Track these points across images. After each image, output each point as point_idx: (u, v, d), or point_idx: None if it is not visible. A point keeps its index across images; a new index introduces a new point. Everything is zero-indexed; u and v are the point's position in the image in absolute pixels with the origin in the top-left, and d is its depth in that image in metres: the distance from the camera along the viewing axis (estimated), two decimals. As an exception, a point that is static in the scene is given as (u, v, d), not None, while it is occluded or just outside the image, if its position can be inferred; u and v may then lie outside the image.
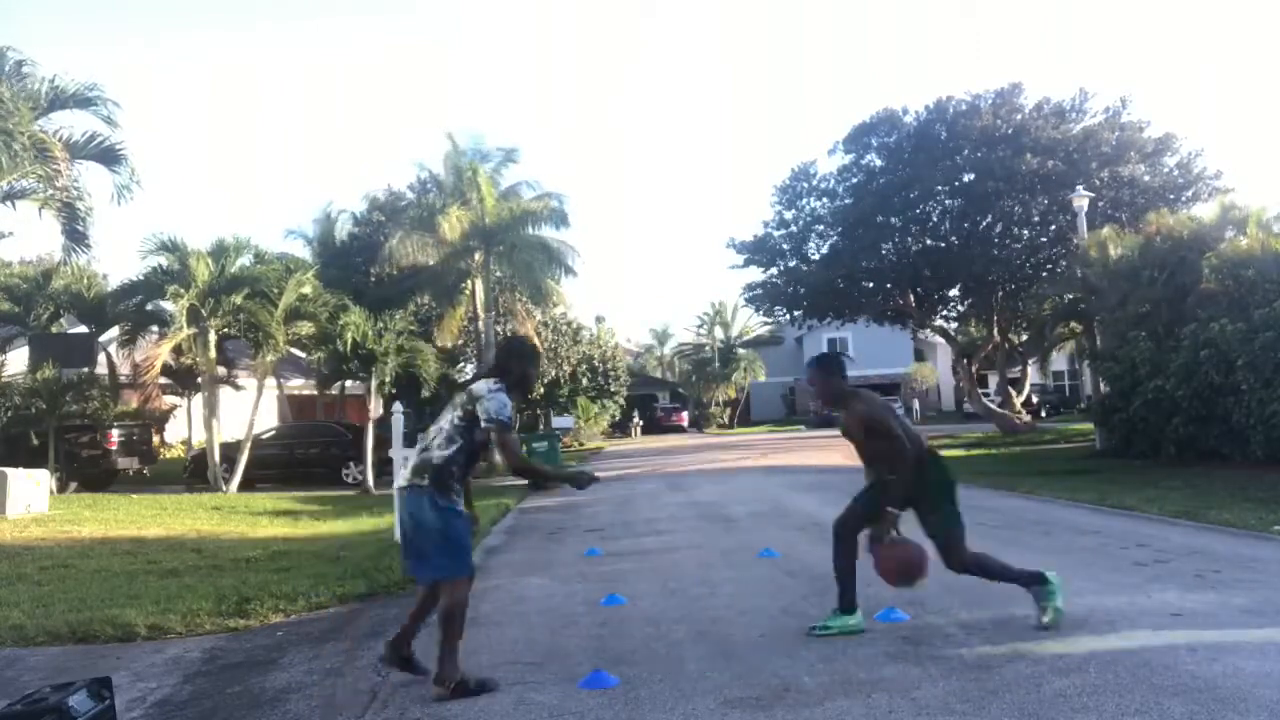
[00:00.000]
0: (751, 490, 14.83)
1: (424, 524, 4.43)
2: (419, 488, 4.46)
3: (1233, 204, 18.37)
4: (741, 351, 57.56)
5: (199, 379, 20.47)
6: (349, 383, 24.06)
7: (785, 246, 31.95)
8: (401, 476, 4.84)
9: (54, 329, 21.34)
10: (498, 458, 26.67)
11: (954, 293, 32.60)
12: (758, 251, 32.26)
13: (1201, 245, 16.23)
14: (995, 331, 32.01)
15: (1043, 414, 40.92)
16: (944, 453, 21.90)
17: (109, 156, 14.89)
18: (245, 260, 19.62)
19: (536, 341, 31.42)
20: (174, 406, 23.17)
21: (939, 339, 40.98)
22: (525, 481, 19.19)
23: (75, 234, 14.93)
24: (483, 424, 4.48)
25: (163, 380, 19.79)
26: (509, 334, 31.47)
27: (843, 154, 31.15)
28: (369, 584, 7.52)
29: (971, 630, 4.95)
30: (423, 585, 4.70)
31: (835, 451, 25.68)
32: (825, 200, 31.69)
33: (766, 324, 56.40)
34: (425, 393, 22.84)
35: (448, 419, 4.59)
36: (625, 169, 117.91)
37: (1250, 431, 13.48)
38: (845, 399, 5.15)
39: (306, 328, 20.01)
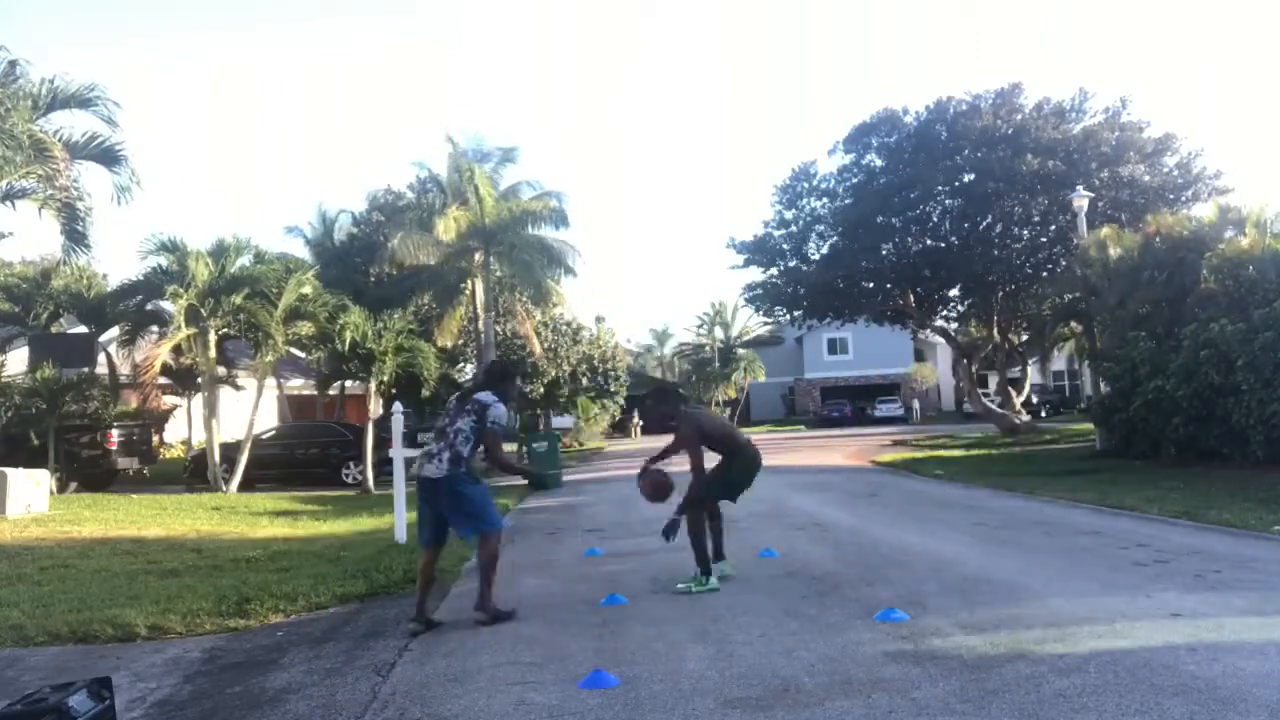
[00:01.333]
0: (751, 490, 14.81)
1: (463, 495, 5.90)
2: (455, 475, 5.90)
3: (1230, 204, 18.36)
4: (741, 351, 57.52)
5: (199, 379, 20.45)
6: (349, 383, 24.05)
7: (785, 246, 31.94)
8: (433, 469, 5.94)
9: (54, 329, 21.31)
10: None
11: (954, 293, 32.60)
12: (758, 251, 32.25)
13: (1201, 245, 16.23)
14: (995, 331, 32.01)
15: (1043, 414, 40.92)
16: (944, 453, 21.84)
17: (109, 157, 14.85)
18: (245, 260, 19.59)
19: (536, 343, 31.49)
20: (174, 406, 23.16)
21: (939, 339, 40.97)
22: (525, 481, 19.27)
23: (75, 234, 14.90)
24: (489, 425, 5.99)
25: (163, 380, 19.78)
26: (509, 334, 31.51)
27: (843, 154, 31.17)
28: (369, 584, 7.52)
29: (971, 630, 4.95)
30: (428, 552, 6.15)
31: (835, 451, 25.71)
32: (825, 200, 31.69)
33: (766, 324, 56.35)
34: (425, 392, 22.82)
35: (466, 422, 5.97)
36: (625, 169, 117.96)
37: (1250, 431, 13.47)
38: (675, 420, 7.18)
39: (306, 328, 19.99)
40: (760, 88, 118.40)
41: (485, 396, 6.07)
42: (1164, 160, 27.04)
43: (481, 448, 6.03)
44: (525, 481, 19.17)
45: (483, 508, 6.01)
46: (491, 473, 19.03)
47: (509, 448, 30.62)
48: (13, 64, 13.63)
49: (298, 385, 31.86)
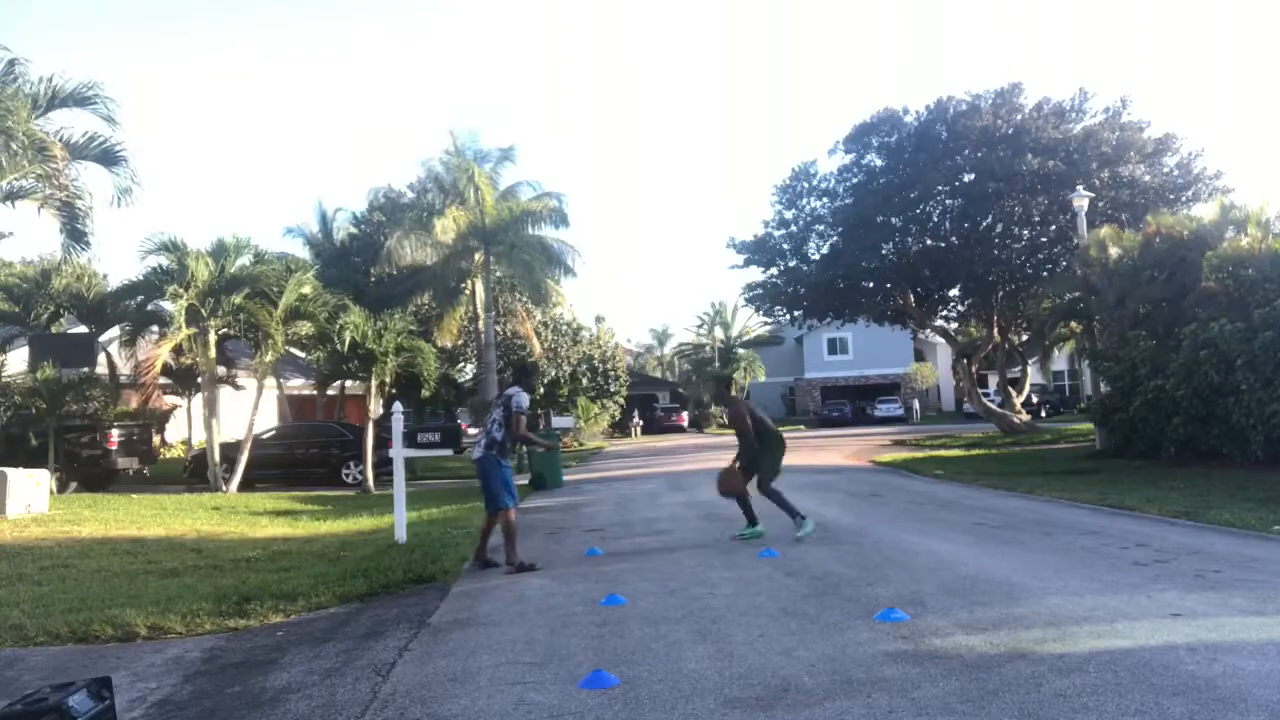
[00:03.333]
0: (751, 490, 14.79)
1: (493, 477, 7.80)
2: (491, 456, 7.81)
3: (1232, 204, 18.36)
4: (741, 351, 57.57)
5: (199, 379, 20.44)
6: (349, 383, 24.03)
7: (785, 246, 31.94)
8: (477, 450, 7.92)
9: (54, 329, 21.29)
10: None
11: (954, 293, 32.59)
12: (758, 251, 32.25)
13: (1201, 245, 16.22)
14: (995, 331, 31.99)
15: (1043, 414, 40.90)
16: (944, 453, 21.88)
17: (109, 157, 14.83)
18: (245, 260, 19.57)
19: (536, 343, 31.53)
20: (174, 406, 23.15)
21: (939, 339, 40.97)
22: (525, 482, 19.31)
23: (75, 233, 14.89)
24: (514, 411, 7.76)
25: (163, 380, 19.76)
26: (509, 334, 31.54)
27: (843, 154, 31.17)
28: (369, 584, 7.52)
29: (971, 630, 4.95)
30: (489, 513, 8.05)
31: (835, 451, 25.70)
32: (825, 200, 31.69)
33: (766, 324, 56.41)
34: (425, 392, 22.82)
35: (498, 413, 7.87)
36: (625, 169, 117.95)
37: (1250, 431, 13.47)
38: (729, 402, 9.79)
39: (306, 328, 19.98)
40: (760, 87, 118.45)
41: (510, 390, 7.94)
42: (1164, 160, 27.05)
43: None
44: (526, 481, 19.27)
45: (499, 488, 7.79)
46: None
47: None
48: (11, 63, 13.60)
49: (298, 385, 31.83)
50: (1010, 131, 27.30)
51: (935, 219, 29.84)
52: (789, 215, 31.97)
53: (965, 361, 34.10)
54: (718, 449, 30.96)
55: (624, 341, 58.40)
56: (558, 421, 40.82)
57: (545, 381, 33.79)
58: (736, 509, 12.21)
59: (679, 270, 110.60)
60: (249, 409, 19.48)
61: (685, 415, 55.97)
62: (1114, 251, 18.21)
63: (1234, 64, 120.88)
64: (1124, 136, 26.71)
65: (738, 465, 9.26)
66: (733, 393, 10.07)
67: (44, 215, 14.55)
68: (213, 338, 18.71)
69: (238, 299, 18.39)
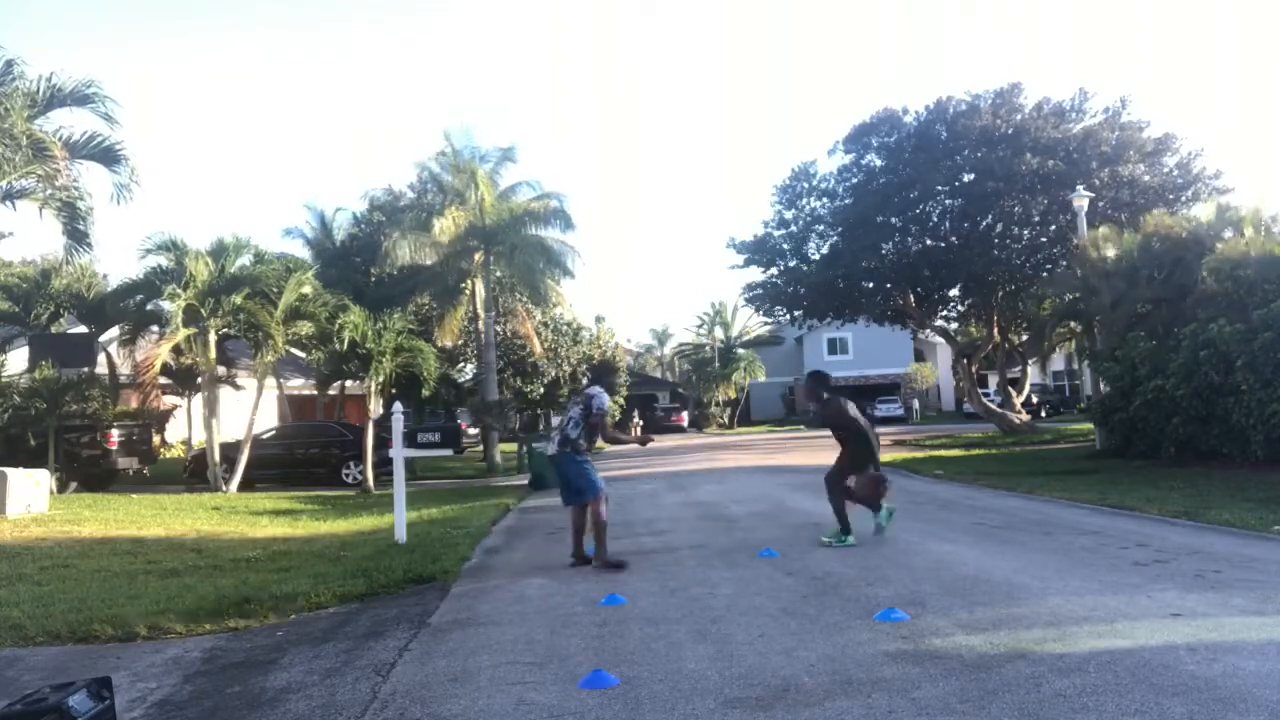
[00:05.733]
0: (751, 490, 14.82)
1: (571, 472, 7.62)
2: (566, 453, 7.63)
3: (1228, 205, 18.38)
4: (741, 351, 57.54)
5: (199, 379, 20.44)
6: (349, 383, 24.03)
7: (785, 246, 31.96)
8: (551, 448, 7.85)
9: (54, 329, 21.30)
10: (497, 458, 26.72)
11: (954, 293, 32.61)
12: (758, 251, 32.26)
13: (1198, 246, 16.24)
14: (995, 331, 32.00)
15: (1043, 414, 40.91)
16: (944, 453, 21.90)
17: (109, 156, 14.81)
18: (245, 260, 19.57)
19: (536, 343, 31.50)
20: (174, 406, 23.15)
21: (939, 339, 40.98)
22: (525, 482, 19.33)
23: (76, 233, 14.88)
24: (594, 413, 7.66)
25: (163, 380, 19.75)
26: (509, 334, 31.49)
27: (843, 154, 31.19)
28: (369, 584, 7.51)
29: (971, 630, 4.95)
30: (573, 509, 7.83)
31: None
32: (825, 200, 31.71)
33: (766, 324, 56.40)
34: (425, 392, 22.82)
35: (576, 411, 7.76)
36: (625, 169, 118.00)
37: (1250, 431, 13.48)
38: (825, 401, 8.66)
39: (306, 328, 19.98)
40: (760, 87, 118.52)
41: (591, 389, 7.78)
42: (1164, 160, 27.06)
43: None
44: (526, 481, 19.29)
45: (580, 481, 7.61)
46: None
47: (510, 447, 30.59)
48: (10, 63, 13.57)
49: (298, 385, 31.83)
50: (1010, 131, 27.30)
51: (935, 219, 29.85)
52: (789, 215, 31.99)
53: (965, 361, 34.12)
54: (718, 449, 30.99)
55: (624, 341, 58.42)
56: (558, 422, 40.76)
57: (545, 381, 33.73)
58: (737, 509, 12.30)
59: (679, 270, 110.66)
60: (249, 409, 19.48)
61: (685, 415, 55.94)
62: (1109, 252, 18.22)
63: (1234, 64, 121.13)
64: (1124, 136, 26.71)
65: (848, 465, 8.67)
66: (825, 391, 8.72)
67: (44, 216, 14.55)
68: (213, 338, 18.71)
69: (238, 299, 18.38)
